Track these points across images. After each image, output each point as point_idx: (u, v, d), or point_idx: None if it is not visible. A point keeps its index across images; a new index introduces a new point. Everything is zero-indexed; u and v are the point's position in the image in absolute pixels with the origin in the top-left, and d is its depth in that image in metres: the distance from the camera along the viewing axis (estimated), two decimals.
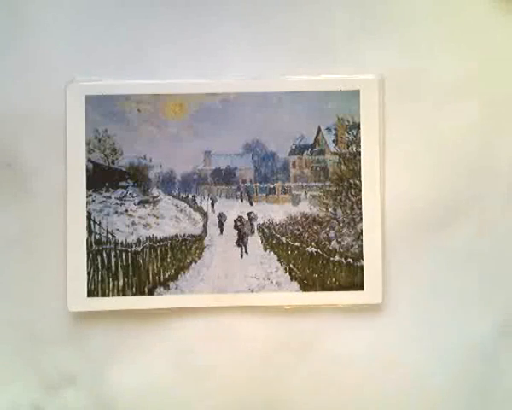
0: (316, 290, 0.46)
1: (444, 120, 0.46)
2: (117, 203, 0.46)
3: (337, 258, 0.46)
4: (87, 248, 0.45)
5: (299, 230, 0.47)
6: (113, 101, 0.46)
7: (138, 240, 0.46)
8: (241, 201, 0.47)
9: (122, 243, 0.46)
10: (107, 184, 0.46)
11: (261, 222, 0.47)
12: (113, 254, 0.46)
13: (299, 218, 0.47)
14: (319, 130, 0.46)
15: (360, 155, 0.46)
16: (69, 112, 0.45)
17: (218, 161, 0.47)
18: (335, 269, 0.46)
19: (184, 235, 0.47)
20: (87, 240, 0.45)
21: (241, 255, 0.47)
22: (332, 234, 0.46)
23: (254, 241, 0.47)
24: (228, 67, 0.46)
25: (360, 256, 0.46)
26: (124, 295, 0.46)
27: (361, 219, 0.46)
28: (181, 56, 0.47)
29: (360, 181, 0.46)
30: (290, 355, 0.46)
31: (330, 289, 0.46)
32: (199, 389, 0.46)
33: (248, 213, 0.47)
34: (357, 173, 0.46)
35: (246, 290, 0.46)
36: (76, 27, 0.47)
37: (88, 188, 0.46)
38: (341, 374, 0.46)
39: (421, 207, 0.46)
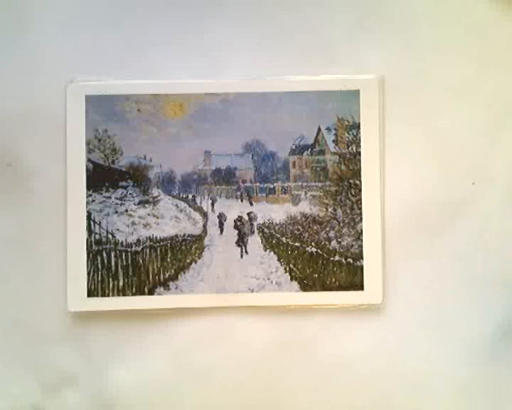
0: (316, 290, 0.46)
1: (444, 120, 0.46)
2: (117, 203, 0.46)
3: (337, 258, 0.46)
4: (87, 249, 0.45)
5: (299, 230, 0.47)
6: (113, 101, 0.46)
7: (138, 240, 0.46)
8: (241, 201, 0.47)
9: (122, 243, 0.46)
10: (107, 184, 0.46)
11: (261, 222, 0.47)
12: (113, 254, 0.46)
13: (299, 218, 0.47)
14: (319, 130, 0.46)
15: (360, 155, 0.46)
16: (69, 112, 0.45)
17: (218, 161, 0.47)
18: (335, 269, 0.46)
19: (184, 235, 0.47)
20: (87, 240, 0.45)
21: (241, 255, 0.47)
22: (332, 234, 0.46)
23: (254, 241, 0.47)
24: (228, 67, 0.46)
25: (360, 256, 0.46)
26: (124, 295, 0.46)
27: (361, 219, 0.46)
28: (181, 56, 0.47)
29: (360, 181, 0.46)
30: (290, 355, 0.46)
31: (330, 289, 0.46)
32: (199, 389, 0.46)
33: (248, 213, 0.47)
34: (357, 173, 0.46)
35: (246, 290, 0.46)
36: (76, 27, 0.47)
37: (88, 188, 0.46)
38: (341, 374, 0.46)
39: (422, 207, 0.46)
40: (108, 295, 0.45)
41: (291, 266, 0.47)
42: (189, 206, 0.47)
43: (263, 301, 0.46)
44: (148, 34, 0.47)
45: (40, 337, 0.46)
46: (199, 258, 0.47)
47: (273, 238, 0.47)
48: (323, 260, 0.46)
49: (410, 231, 0.46)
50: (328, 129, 0.46)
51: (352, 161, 0.46)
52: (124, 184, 0.47)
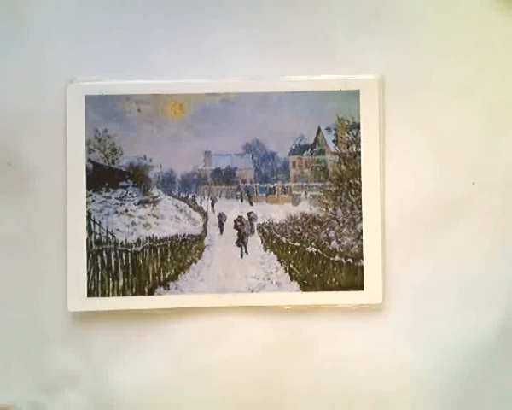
0: (316, 290, 0.46)
1: (444, 119, 0.46)
2: (117, 203, 0.46)
3: (337, 258, 0.46)
4: (87, 249, 0.45)
5: (299, 230, 0.47)
6: (113, 101, 0.46)
7: (138, 240, 0.46)
8: (241, 201, 0.47)
9: (122, 243, 0.46)
10: (107, 184, 0.46)
11: (261, 222, 0.47)
12: (113, 255, 0.46)
13: (299, 218, 0.47)
14: (319, 130, 0.46)
15: (360, 154, 0.46)
16: (69, 112, 0.45)
17: (218, 161, 0.47)
18: (335, 269, 0.46)
19: (184, 235, 0.47)
20: (87, 240, 0.45)
21: (241, 255, 0.47)
22: (332, 234, 0.46)
23: (254, 241, 0.47)
24: (228, 67, 0.46)
25: (360, 256, 0.46)
26: (124, 295, 0.46)
27: (361, 219, 0.46)
28: (181, 56, 0.47)
29: (360, 181, 0.46)
30: (290, 355, 0.46)
31: (330, 289, 0.46)
32: (199, 389, 0.46)
33: (248, 213, 0.47)
34: (357, 173, 0.46)
35: (246, 290, 0.46)
36: (76, 27, 0.47)
37: (88, 188, 0.46)
38: (341, 374, 0.46)
39: (421, 207, 0.46)
40: (108, 296, 0.45)
41: (291, 266, 0.47)
42: (189, 206, 0.47)
43: (263, 301, 0.46)
44: (149, 34, 0.47)
45: (40, 337, 0.46)
46: (199, 258, 0.47)
47: (273, 238, 0.47)
48: (323, 260, 0.46)
49: (411, 231, 0.46)
50: (328, 129, 0.46)
51: (351, 160, 0.46)
52: (124, 184, 0.47)
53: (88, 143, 0.46)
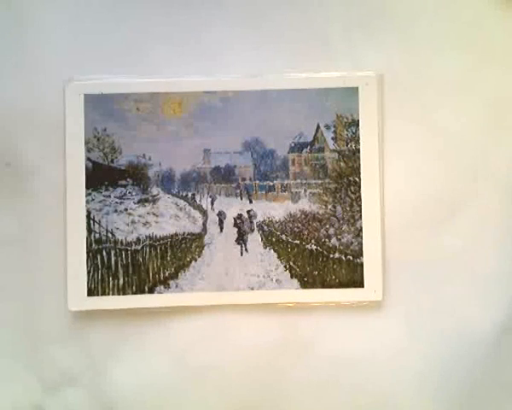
0: (316, 288, 0.46)
1: (443, 116, 0.47)
2: (116, 202, 0.46)
3: (337, 255, 0.46)
4: (87, 248, 0.45)
5: (298, 227, 0.47)
6: (111, 99, 0.46)
7: (138, 239, 0.46)
8: (241, 199, 0.47)
9: (122, 242, 0.46)
10: (106, 183, 0.46)
11: (261, 220, 0.47)
12: (112, 253, 0.46)
13: (298, 215, 0.47)
14: (318, 127, 0.46)
15: (359, 152, 0.46)
16: (68, 111, 0.45)
17: (217, 159, 0.47)
18: (335, 266, 0.46)
19: (184, 233, 0.47)
20: (87, 239, 0.45)
21: (241, 253, 0.47)
22: (332, 231, 0.46)
23: (254, 239, 0.47)
24: (227, 65, 0.46)
25: (360, 253, 0.46)
26: (124, 293, 0.46)
27: (361, 216, 0.46)
28: (180, 54, 0.47)
29: (359, 178, 0.46)
30: (290, 353, 0.46)
31: (330, 286, 0.46)
32: (199, 388, 0.46)
33: (248, 211, 0.47)
34: (356, 171, 0.46)
35: (246, 288, 0.46)
36: (75, 26, 0.47)
37: (87, 187, 0.46)
38: (341, 371, 0.46)
39: (421, 204, 0.46)
40: (108, 294, 0.45)
41: (291, 263, 0.47)
42: (189, 204, 0.47)
43: (263, 299, 0.46)
44: (147, 33, 0.47)
45: (41, 337, 0.46)
46: (199, 256, 0.47)
47: (273, 236, 0.47)
48: (323, 257, 0.46)
49: (410, 228, 0.46)
50: (328, 126, 0.46)
51: (351, 158, 0.46)
52: (123, 182, 0.47)
53: (87, 142, 0.46)
